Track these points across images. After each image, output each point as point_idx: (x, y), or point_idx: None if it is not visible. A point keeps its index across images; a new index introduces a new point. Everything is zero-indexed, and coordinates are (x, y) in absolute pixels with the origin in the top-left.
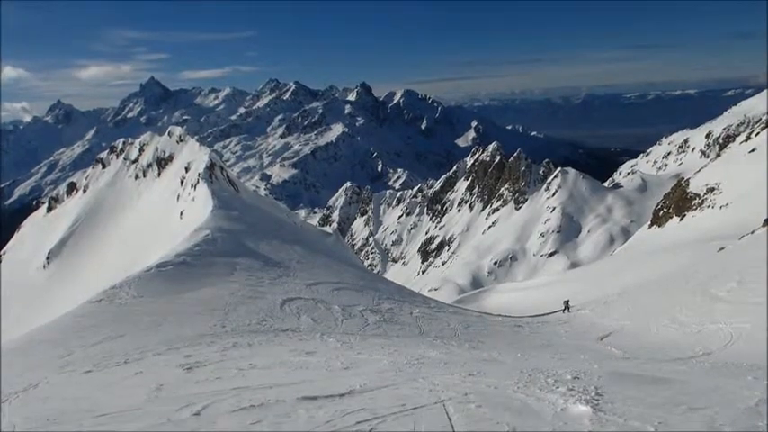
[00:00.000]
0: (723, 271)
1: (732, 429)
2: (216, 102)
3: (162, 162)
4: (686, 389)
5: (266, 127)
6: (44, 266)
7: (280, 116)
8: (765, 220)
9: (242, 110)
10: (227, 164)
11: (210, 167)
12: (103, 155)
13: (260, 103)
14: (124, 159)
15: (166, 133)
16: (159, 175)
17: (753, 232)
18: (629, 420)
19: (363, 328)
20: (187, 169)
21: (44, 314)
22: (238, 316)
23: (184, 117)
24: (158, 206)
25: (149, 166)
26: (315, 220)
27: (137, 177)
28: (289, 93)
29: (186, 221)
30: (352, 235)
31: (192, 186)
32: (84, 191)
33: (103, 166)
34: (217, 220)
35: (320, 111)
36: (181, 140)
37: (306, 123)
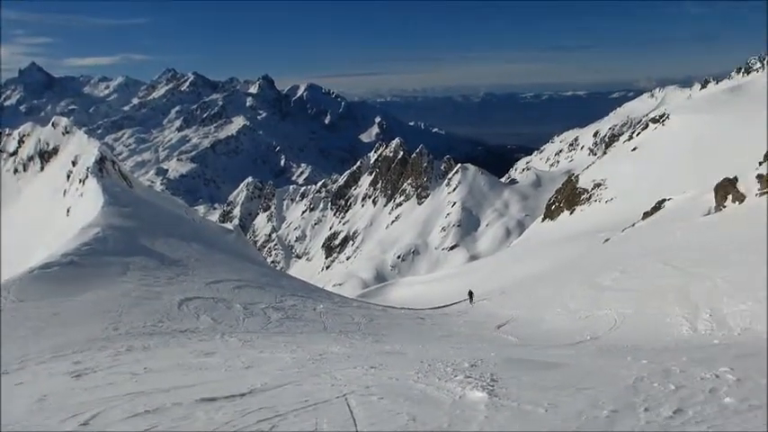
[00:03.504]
0: (608, 261)
1: (613, 407)
2: (107, 91)
3: (45, 155)
4: (574, 371)
5: (162, 119)
6: None
7: (177, 108)
8: (645, 214)
9: (136, 100)
10: (120, 157)
11: (101, 161)
12: None
13: (155, 94)
14: (0, 152)
15: (50, 124)
16: (42, 168)
17: (633, 225)
18: (522, 404)
19: (266, 326)
20: (74, 163)
21: None
22: (132, 318)
23: (71, 107)
24: (42, 203)
25: (30, 159)
26: (215, 217)
27: (16, 171)
28: (187, 83)
29: (74, 219)
30: (254, 231)
31: (80, 181)
32: None
33: None
34: (108, 216)
35: (220, 103)
36: (67, 132)
37: (205, 116)
